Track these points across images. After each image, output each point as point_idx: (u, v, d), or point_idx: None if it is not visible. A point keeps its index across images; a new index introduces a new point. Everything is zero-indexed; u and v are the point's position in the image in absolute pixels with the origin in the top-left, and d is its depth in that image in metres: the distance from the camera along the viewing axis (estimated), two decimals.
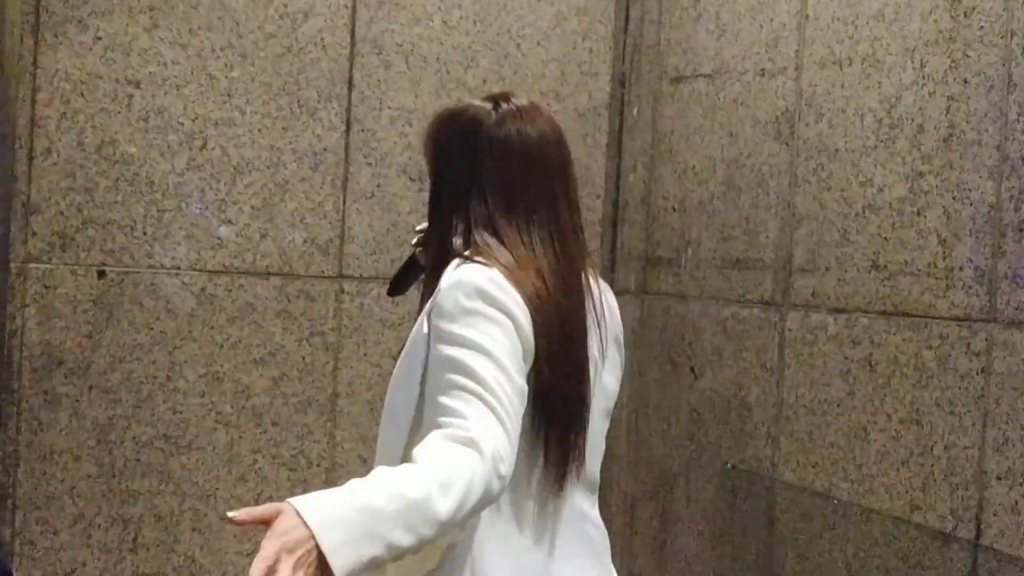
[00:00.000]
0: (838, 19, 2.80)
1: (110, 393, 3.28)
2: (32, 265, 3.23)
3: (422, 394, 1.67)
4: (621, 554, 3.60)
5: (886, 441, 2.58)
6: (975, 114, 2.39)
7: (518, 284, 1.67)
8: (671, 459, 3.42)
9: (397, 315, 3.49)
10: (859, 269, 2.70)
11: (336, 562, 1.36)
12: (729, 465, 3.16)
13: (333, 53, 3.46)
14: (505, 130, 1.79)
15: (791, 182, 2.95)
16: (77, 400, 3.26)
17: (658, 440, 3.49)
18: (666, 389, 3.45)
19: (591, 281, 1.82)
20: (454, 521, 1.46)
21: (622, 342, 1.91)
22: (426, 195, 1.93)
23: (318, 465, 3.46)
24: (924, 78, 2.53)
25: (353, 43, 3.48)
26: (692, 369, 3.33)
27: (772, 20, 3.06)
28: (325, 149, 3.46)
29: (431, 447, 1.50)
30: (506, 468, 1.52)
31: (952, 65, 2.46)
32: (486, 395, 1.54)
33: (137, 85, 3.29)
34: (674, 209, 3.47)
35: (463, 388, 1.55)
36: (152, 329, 3.31)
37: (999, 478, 2.28)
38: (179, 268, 3.34)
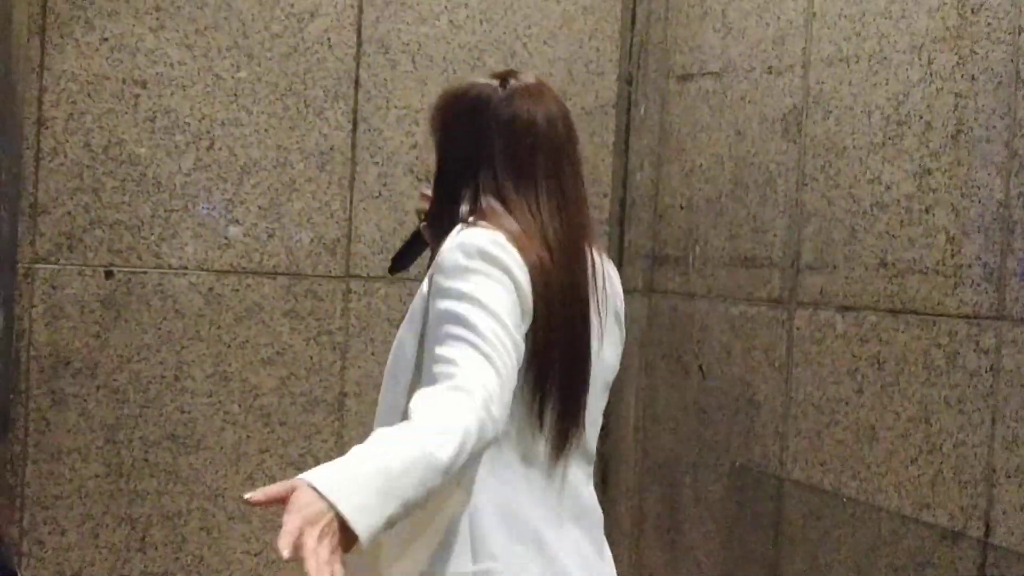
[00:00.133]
0: (845, 16, 2.80)
1: (118, 393, 3.29)
2: (39, 266, 3.23)
3: (422, 350, 1.71)
4: (629, 551, 3.59)
5: (894, 439, 2.57)
6: (983, 111, 2.38)
7: (523, 251, 1.69)
8: (679, 458, 3.42)
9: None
10: (867, 267, 2.69)
11: (359, 527, 1.39)
12: (737, 463, 3.15)
13: (339, 53, 3.46)
14: (514, 107, 1.82)
15: (799, 180, 2.94)
16: (85, 400, 3.26)
17: (666, 439, 3.48)
18: (674, 388, 3.45)
19: (595, 255, 1.83)
20: (457, 465, 1.50)
21: (623, 318, 1.91)
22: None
23: None
24: (932, 75, 2.52)
25: (359, 43, 3.48)
26: (700, 367, 3.33)
27: (779, 18, 3.05)
28: (332, 148, 3.46)
29: (425, 399, 1.54)
30: (497, 409, 1.55)
31: (960, 62, 2.45)
32: (478, 341, 1.57)
33: (144, 85, 3.29)
34: (681, 207, 3.46)
35: (457, 337, 1.59)
36: (160, 329, 3.32)
37: (1008, 476, 2.28)
38: (186, 268, 3.34)
